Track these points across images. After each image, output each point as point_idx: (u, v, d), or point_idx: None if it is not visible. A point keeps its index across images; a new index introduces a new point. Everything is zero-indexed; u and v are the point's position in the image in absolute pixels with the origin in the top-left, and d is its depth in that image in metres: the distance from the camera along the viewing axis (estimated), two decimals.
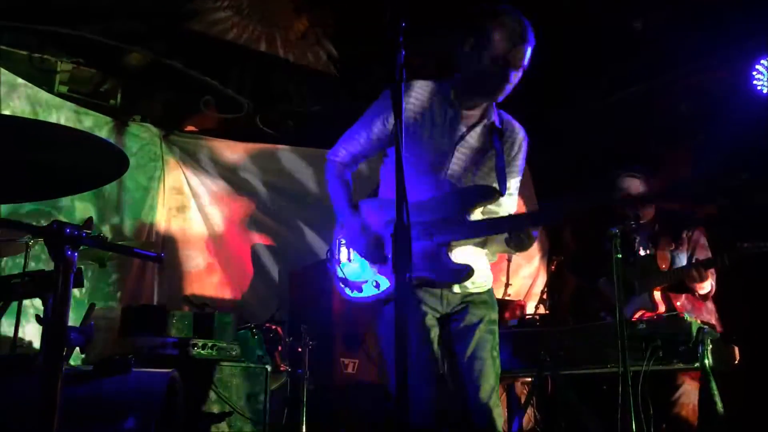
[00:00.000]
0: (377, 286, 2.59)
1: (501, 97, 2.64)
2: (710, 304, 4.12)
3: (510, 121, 2.80)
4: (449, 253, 2.57)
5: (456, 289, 2.64)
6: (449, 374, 2.63)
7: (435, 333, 2.60)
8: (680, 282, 4.04)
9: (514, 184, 2.76)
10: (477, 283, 2.69)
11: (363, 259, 2.64)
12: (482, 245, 2.72)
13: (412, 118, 2.61)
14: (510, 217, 2.64)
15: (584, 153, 6.29)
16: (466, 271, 2.54)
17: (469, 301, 2.67)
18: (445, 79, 2.71)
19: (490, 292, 2.76)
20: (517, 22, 2.55)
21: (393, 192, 2.59)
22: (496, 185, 2.64)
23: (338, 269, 2.69)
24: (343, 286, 2.69)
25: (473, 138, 2.67)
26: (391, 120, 2.61)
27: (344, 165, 2.78)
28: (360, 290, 2.64)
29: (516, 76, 2.59)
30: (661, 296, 4.05)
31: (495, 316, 2.72)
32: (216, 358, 4.20)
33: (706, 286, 3.98)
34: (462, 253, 2.64)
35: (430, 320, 2.61)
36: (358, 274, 2.65)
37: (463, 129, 2.66)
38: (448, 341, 2.65)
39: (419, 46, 2.28)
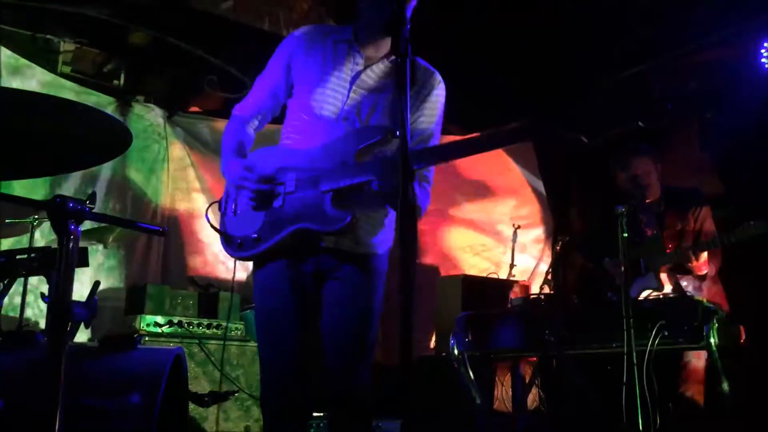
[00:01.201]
0: (258, 239, 2.38)
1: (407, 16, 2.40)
2: (717, 284, 4.11)
3: (425, 65, 2.57)
4: (333, 202, 2.30)
5: (332, 244, 2.38)
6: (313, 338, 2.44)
7: (301, 297, 2.39)
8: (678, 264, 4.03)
9: (428, 130, 2.52)
10: (362, 242, 2.42)
11: (250, 211, 2.41)
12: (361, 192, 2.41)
13: (307, 59, 2.46)
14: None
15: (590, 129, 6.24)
16: (345, 221, 2.26)
17: (346, 261, 2.41)
18: (347, 25, 2.54)
19: (378, 257, 2.47)
20: None
21: (283, 141, 2.50)
22: (386, 125, 2.39)
23: (224, 225, 2.47)
24: (226, 243, 2.46)
25: (370, 77, 2.45)
26: (285, 68, 2.49)
27: (244, 122, 2.60)
28: (242, 246, 2.41)
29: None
30: (668, 276, 4.03)
31: (372, 283, 2.44)
32: (221, 338, 4.21)
33: (704, 268, 3.95)
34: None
35: (297, 283, 2.39)
36: (242, 228, 2.42)
37: (360, 68, 2.45)
38: (315, 303, 2.44)
39: None
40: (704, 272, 3.98)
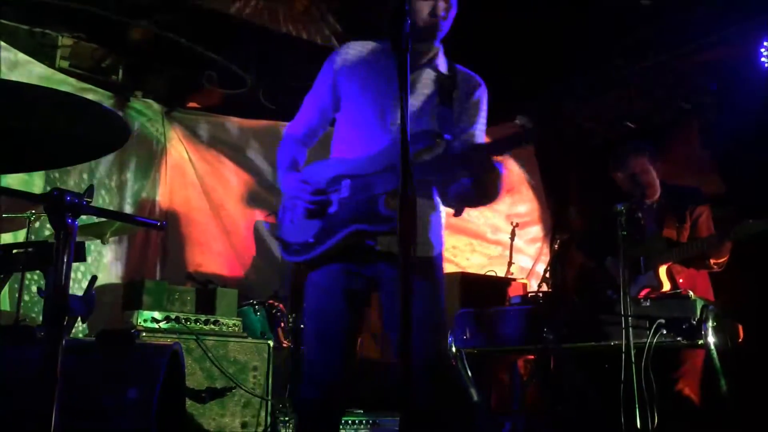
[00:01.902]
0: (315, 243, 2.49)
1: (439, 36, 2.55)
2: (707, 282, 4.11)
3: (465, 71, 2.70)
4: (385, 203, 2.40)
5: (385, 248, 2.44)
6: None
7: (353, 300, 2.47)
8: (684, 260, 4.02)
9: (471, 130, 2.63)
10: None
11: (305, 219, 2.52)
12: (431, 203, 2.56)
13: (355, 73, 2.59)
14: (450, 155, 2.46)
15: (591, 127, 6.26)
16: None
17: (392, 261, 2.43)
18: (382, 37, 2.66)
19: (432, 260, 2.54)
20: None
21: (335, 152, 2.62)
22: (435, 129, 2.50)
23: (283, 233, 2.60)
24: (285, 250, 2.60)
25: (415, 86, 2.56)
26: (331, 85, 2.63)
27: (296, 140, 2.75)
28: (299, 251, 2.53)
29: (443, 8, 2.49)
30: (666, 274, 4.03)
31: (433, 287, 2.49)
32: (219, 334, 4.20)
33: (723, 259, 3.98)
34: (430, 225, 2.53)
35: (350, 286, 2.47)
36: (299, 234, 2.54)
37: (419, 70, 2.58)
38: (365, 307, 2.54)
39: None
40: (723, 260, 3.99)
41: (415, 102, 2.56)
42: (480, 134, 2.68)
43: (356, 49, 2.65)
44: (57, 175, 5.26)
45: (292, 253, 2.55)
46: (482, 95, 2.70)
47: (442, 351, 2.59)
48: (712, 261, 3.99)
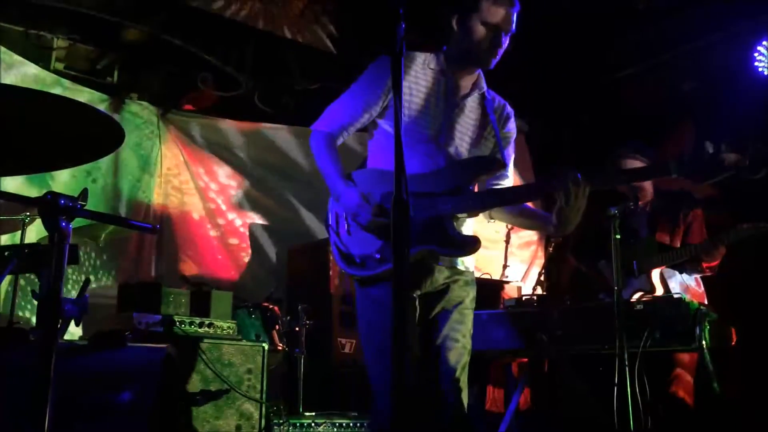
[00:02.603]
0: (381, 260, 2.49)
1: (493, 63, 2.64)
2: (700, 286, 4.12)
3: (496, 95, 2.81)
4: (454, 225, 2.51)
5: (446, 265, 2.58)
6: (421, 354, 2.57)
7: (415, 313, 2.54)
8: (675, 264, 4.04)
9: (509, 156, 2.77)
10: (465, 263, 2.65)
11: (364, 231, 2.52)
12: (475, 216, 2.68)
13: (409, 88, 2.60)
14: (521, 188, 2.67)
15: (586, 129, 6.29)
16: (474, 242, 2.49)
17: (452, 280, 2.61)
18: (436, 51, 2.72)
19: (472, 273, 2.70)
20: None
21: (384, 164, 2.60)
22: (498, 156, 2.65)
23: (340, 243, 2.57)
24: (344, 261, 2.57)
25: (468, 108, 2.67)
26: (385, 90, 2.60)
27: (332, 136, 2.68)
28: (364, 265, 2.51)
29: (506, 41, 2.61)
30: (659, 278, 4.04)
31: (474, 296, 2.67)
32: (213, 336, 4.20)
33: (715, 264, 3.99)
34: (465, 229, 2.62)
35: (413, 300, 2.54)
36: (361, 247, 2.53)
37: (458, 99, 2.66)
38: (424, 320, 2.58)
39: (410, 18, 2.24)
40: (714, 264, 4.00)
41: (464, 124, 2.65)
42: (511, 168, 2.79)
43: (418, 62, 2.66)
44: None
45: (356, 266, 2.52)
46: (513, 128, 2.79)
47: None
48: (704, 265, 4.01)
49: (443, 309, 2.58)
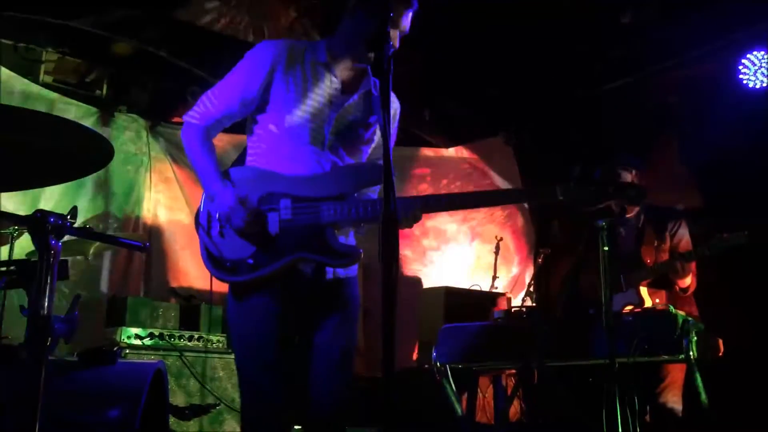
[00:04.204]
0: (254, 266, 2.33)
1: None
2: (691, 301, 4.14)
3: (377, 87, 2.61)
4: (336, 234, 2.37)
5: (330, 272, 2.43)
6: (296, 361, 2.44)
7: (287, 320, 2.39)
8: (662, 277, 4.06)
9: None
10: (337, 273, 2.48)
11: (237, 236, 2.35)
12: (356, 226, 2.51)
13: (294, 81, 2.41)
14: (417, 198, 2.46)
15: (572, 142, 6.33)
16: (357, 254, 2.36)
17: (335, 286, 2.45)
18: (315, 42, 2.52)
19: (355, 279, 2.55)
20: None
21: (265, 163, 2.43)
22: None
23: (211, 244, 2.38)
24: (213, 265, 2.38)
25: (352, 107, 2.47)
26: (263, 83, 2.41)
27: (206, 129, 2.47)
28: (235, 270, 2.34)
29: (397, 39, 2.39)
30: (648, 291, 4.06)
31: (357, 302, 2.52)
32: (203, 350, 4.19)
33: (688, 281, 4.00)
34: (346, 238, 2.49)
35: (286, 307, 2.39)
36: (233, 251, 2.35)
37: (342, 97, 2.45)
38: (301, 328, 2.45)
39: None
40: (687, 285, 4.02)
41: (350, 126, 2.48)
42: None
43: (292, 51, 2.45)
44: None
45: (225, 271, 2.36)
46: (398, 118, 2.61)
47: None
48: (677, 286, 4.02)
49: (327, 314, 2.43)
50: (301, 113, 2.41)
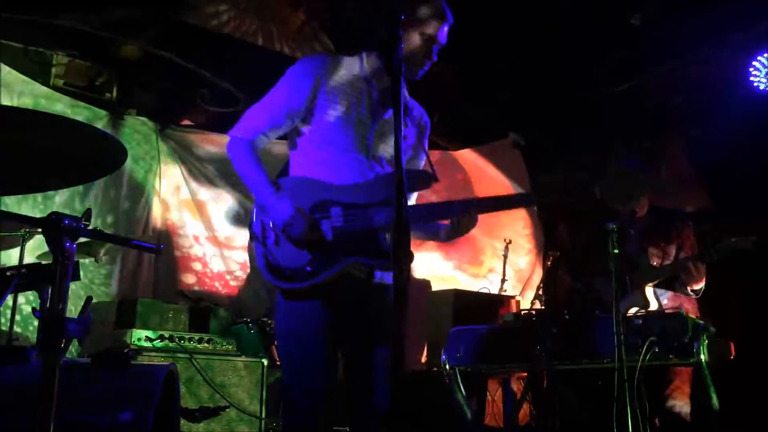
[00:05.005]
0: (313, 273, 2.41)
1: (420, 75, 2.61)
2: (694, 302, 4.13)
3: (416, 104, 2.75)
4: (387, 238, 2.44)
5: (378, 277, 2.50)
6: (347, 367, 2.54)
7: (340, 323, 2.48)
8: (668, 279, 4.04)
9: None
10: (383, 277, 2.57)
11: (294, 244, 2.42)
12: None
13: (338, 94, 2.52)
14: (454, 203, 2.60)
15: (581, 143, 6.33)
16: (411, 257, 2.47)
17: (381, 290, 2.52)
18: (355, 55, 2.64)
19: (388, 286, 2.59)
20: (440, 1, 2.58)
21: (312, 173, 2.52)
22: (428, 170, 2.60)
23: (268, 254, 2.44)
24: (272, 273, 2.45)
25: (390, 119, 2.56)
26: (309, 96, 2.51)
27: (253, 143, 2.56)
28: (293, 278, 2.42)
29: (434, 53, 2.57)
30: (653, 293, 4.05)
31: (387, 306, 2.57)
32: (212, 353, 4.20)
33: (702, 283, 3.98)
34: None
35: (339, 311, 2.48)
36: (290, 259, 2.43)
37: (381, 109, 2.57)
38: (350, 331, 2.52)
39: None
40: (700, 287, 4.00)
41: (390, 136, 2.56)
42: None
43: (344, 67, 2.58)
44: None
45: (283, 278, 2.43)
46: (428, 129, 2.76)
47: None
48: (689, 287, 4.00)
49: (372, 317, 2.50)
50: (345, 125, 2.51)
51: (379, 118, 2.56)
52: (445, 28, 2.57)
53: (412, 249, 2.45)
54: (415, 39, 2.53)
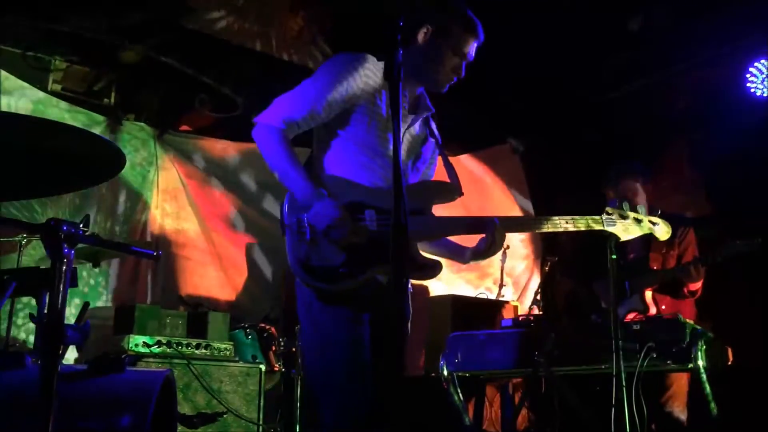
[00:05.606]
0: (347, 274, 2.35)
1: (446, 88, 2.61)
2: (691, 306, 4.13)
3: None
4: (419, 249, 2.44)
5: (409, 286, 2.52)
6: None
7: (366, 331, 2.43)
8: (668, 283, 4.05)
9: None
10: (413, 282, 2.64)
11: (331, 244, 2.35)
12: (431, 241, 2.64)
13: (365, 95, 2.46)
14: (480, 219, 2.57)
15: (581, 149, 6.33)
16: (439, 267, 2.46)
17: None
18: (378, 56, 2.54)
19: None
20: (472, 17, 2.57)
21: (345, 173, 2.45)
22: (455, 183, 2.59)
23: (300, 251, 2.35)
24: (304, 270, 2.35)
25: (417, 125, 2.59)
26: (351, 88, 2.42)
27: (285, 131, 2.41)
28: (326, 278, 2.35)
29: (462, 68, 2.58)
30: (652, 298, 4.06)
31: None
32: (210, 358, 4.19)
33: (699, 284, 3.99)
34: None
35: (369, 313, 2.44)
36: (323, 258, 2.35)
37: (409, 116, 2.56)
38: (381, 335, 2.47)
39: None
40: (697, 288, 4.01)
41: (416, 143, 2.61)
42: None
43: (371, 68, 2.50)
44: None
45: (316, 277, 2.35)
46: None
47: None
48: (686, 289, 4.01)
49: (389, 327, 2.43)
50: (380, 126, 2.47)
51: (407, 125, 2.55)
52: (475, 45, 2.58)
53: (437, 259, 2.51)
54: (446, 53, 2.52)
